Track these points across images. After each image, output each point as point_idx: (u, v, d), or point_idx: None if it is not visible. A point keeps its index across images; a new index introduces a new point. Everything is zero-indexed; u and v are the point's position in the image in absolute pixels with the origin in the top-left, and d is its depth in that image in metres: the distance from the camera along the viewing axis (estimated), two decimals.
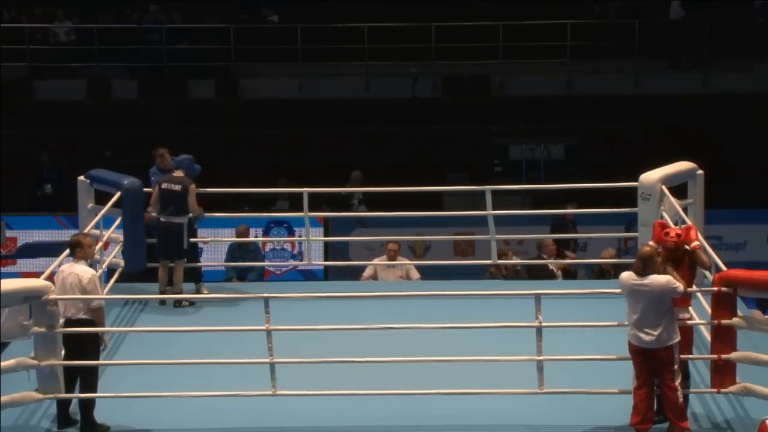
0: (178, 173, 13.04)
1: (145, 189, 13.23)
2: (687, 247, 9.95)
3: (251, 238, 15.88)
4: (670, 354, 9.63)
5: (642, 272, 9.64)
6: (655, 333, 9.59)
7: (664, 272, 9.68)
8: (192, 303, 12.92)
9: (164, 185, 12.95)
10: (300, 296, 12.05)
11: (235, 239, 15.57)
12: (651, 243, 10.12)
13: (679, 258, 9.91)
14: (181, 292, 12.93)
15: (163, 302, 12.98)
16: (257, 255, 15.64)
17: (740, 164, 20.91)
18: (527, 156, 22.21)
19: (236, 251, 15.38)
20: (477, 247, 18.49)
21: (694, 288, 10.20)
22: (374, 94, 21.90)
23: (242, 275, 15.47)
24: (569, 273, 15.21)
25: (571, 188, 14.41)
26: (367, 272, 14.56)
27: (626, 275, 9.74)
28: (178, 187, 12.93)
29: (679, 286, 9.63)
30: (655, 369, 9.67)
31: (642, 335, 9.62)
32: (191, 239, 13.26)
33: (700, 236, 10.44)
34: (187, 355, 10.56)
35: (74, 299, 10.00)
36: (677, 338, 9.67)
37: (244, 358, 10.37)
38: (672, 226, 11.04)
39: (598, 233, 15.67)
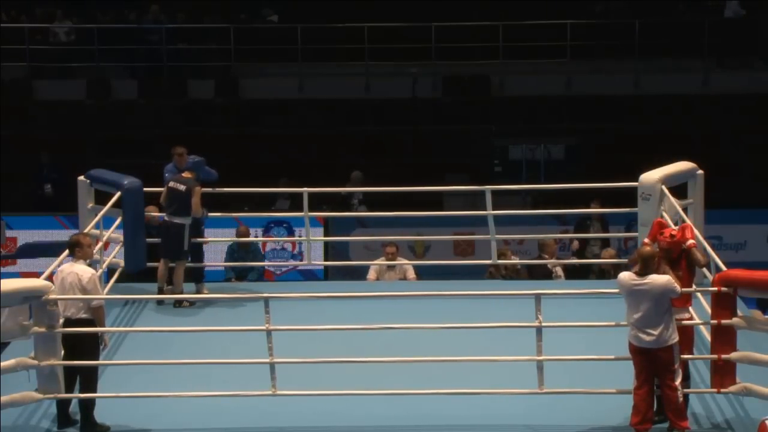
0: (187, 174, 13.05)
1: (146, 189, 13.23)
2: (684, 246, 9.96)
3: (251, 239, 15.87)
4: (671, 354, 9.63)
5: (642, 272, 9.63)
6: (655, 333, 9.59)
7: (662, 272, 9.68)
8: (192, 303, 12.92)
9: (171, 183, 12.97)
10: (300, 296, 12.06)
11: (234, 239, 15.58)
12: (646, 240, 10.12)
13: (676, 258, 9.91)
14: (180, 293, 12.93)
15: (161, 301, 12.98)
16: (257, 255, 15.64)
17: (740, 164, 20.91)
18: (527, 156, 22.22)
19: (236, 252, 15.38)
20: (477, 247, 18.49)
21: (694, 288, 10.21)
22: (374, 94, 21.90)
23: (242, 275, 15.48)
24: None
25: (571, 188, 14.41)
26: (371, 275, 14.56)
27: (626, 275, 9.73)
28: (182, 188, 12.93)
29: (678, 287, 9.63)
30: (656, 369, 9.67)
31: (642, 335, 9.62)
32: (197, 239, 13.27)
33: (697, 234, 10.44)
34: (187, 355, 10.56)
35: (74, 299, 10.00)
36: (677, 338, 9.67)
37: (244, 358, 10.37)
38: (672, 225, 11.05)
39: (598, 233, 15.66)
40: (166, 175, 13.32)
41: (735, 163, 20.69)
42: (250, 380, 10.25)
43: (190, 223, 13.00)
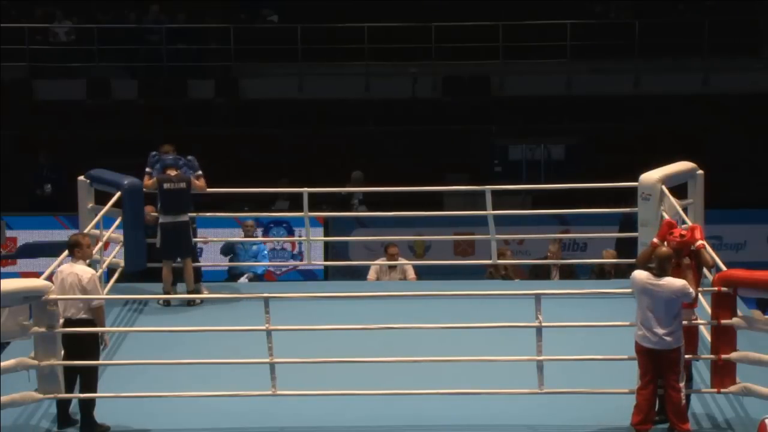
0: (173, 172, 12.97)
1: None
2: (693, 247, 9.95)
3: (251, 238, 15.87)
4: (677, 355, 9.61)
5: (658, 273, 9.61)
6: (664, 335, 9.56)
7: (674, 273, 9.65)
8: (202, 301, 12.92)
9: (167, 185, 12.89)
10: (300, 296, 12.06)
11: (235, 240, 15.59)
12: (655, 240, 10.11)
13: (682, 255, 9.90)
14: (195, 289, 12.92)
15: (168, 302, 12.95)
16: (258, 253, 15.66)
17: (739, 164, 20.92)
18: (527, 156, 22.21)
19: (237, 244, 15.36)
20: (477, 247, 18.49)
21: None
22: (374, 94, 21.91)
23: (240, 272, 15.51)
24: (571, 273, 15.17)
25: (571, 188, 14.41)
26: (371, 275, 14.56)
27: (642, 274, 9.67)
28: (183, 185, 12.89)
29: (692, 292, 9.62)
30: (661, 370, 9.65)
31: (650, 336, 9.59)
32: (196, 239, 13.28)
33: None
34: (187, 355, 10.56)
35: (74, 299, 10.00)
36: (684, 340, 9.66)
37: (244, 358, 10.37)
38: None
39: (598, 233, 15.66)
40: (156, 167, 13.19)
41: (734, 163, 20.70)
42: (250, 380, 10.25)
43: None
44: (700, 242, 10.02)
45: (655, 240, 10.13)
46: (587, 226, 16.76)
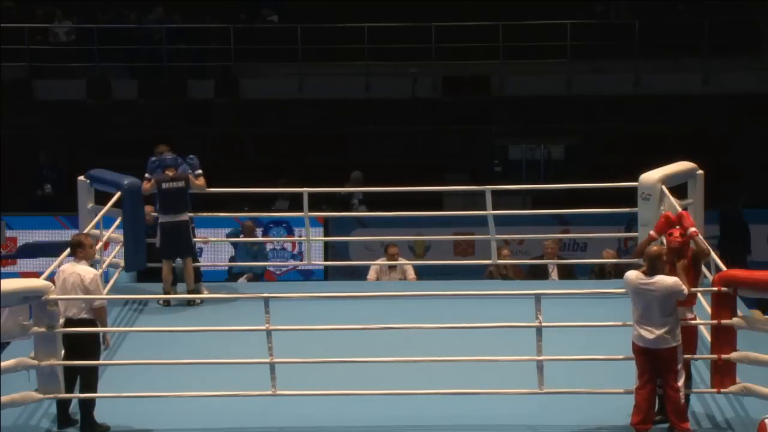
0: (172, 172, 12.97)
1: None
2: (687, 232, 9.93)
3: (251, 239, 15.89)
4: (674, 354, 9.61)
5: (649, 272, 9.62)
6: (659, 333, 9.56)
7: (670, 272, 9.67)
8: (202, 301, 12.92)
9: (165, 185, 12.90)
10: (300, 296, 12.06)
11: (237, 240, 15.60)
12: (652, 233, 10.12)
13: (682, 255, 9.90)
14: (195, 289, 12.93)
15: (168, 302, 12.95)
16: (260, 253, 15.67)
17: (740, 164, 20.92)
18: (527, 156, 22.23)
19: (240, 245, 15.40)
20: (477, 247, 18.49)
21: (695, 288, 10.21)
22: (374, 94, 21.91)
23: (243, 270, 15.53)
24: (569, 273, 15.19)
25: (571, 188, 14.41)
26: (371, 275, 14.57)
27: (633, 275, 9.69)
28: (181, 184, 12.90)
29: (684, 288, 9.62)
30: (658, 369, 9.66)
31: (645, 335, 9.59)
32: (196, 239, 13.28)
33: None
34: (187, 355, 10.56)
35: (76, 299, 10.00)
36: (681, 339, 9.66)
37: (244, 358, 10.37)
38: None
39: (598, 233, 15.67)
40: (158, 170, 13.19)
41: (735, 163, 20.70)
42: (250, 380, 10.25)
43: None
44: (693, 229, 10.02)
45: (653, 233, 10.15)
46: (587, 226, 16.76)
